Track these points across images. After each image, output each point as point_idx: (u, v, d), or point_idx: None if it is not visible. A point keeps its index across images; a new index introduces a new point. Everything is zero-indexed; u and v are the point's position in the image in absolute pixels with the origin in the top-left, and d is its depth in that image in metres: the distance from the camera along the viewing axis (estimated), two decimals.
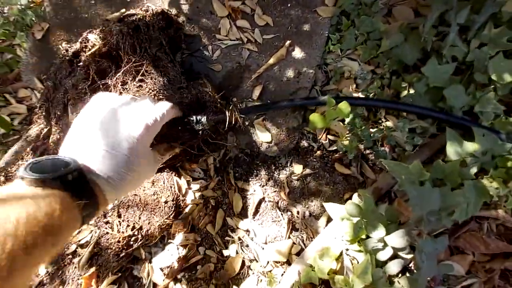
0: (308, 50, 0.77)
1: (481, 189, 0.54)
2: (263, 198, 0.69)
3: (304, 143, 0.73)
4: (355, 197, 0.57)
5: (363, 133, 0.65)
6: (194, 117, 0.59)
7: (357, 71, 0.74)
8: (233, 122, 0.62)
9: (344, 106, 0.60)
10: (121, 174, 0.35)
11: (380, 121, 0.72)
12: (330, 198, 0.66)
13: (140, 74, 0.68)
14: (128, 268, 0.65)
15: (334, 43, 0.78)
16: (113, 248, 0.62)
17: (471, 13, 0.63)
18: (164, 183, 0.69)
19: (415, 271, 0.54)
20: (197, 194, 0.71)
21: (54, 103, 0.81)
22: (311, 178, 0.69)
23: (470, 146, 0.56)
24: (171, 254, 0.66)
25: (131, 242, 0.63)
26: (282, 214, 0.67)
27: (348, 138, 0.67)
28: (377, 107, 0.69)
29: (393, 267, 0.51)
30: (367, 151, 0.69)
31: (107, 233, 0.64)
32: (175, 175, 0.71)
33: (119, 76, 0.68)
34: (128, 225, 0.63)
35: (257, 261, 0.63)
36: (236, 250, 0.64)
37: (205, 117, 0.59)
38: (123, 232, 0.62)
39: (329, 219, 0.63)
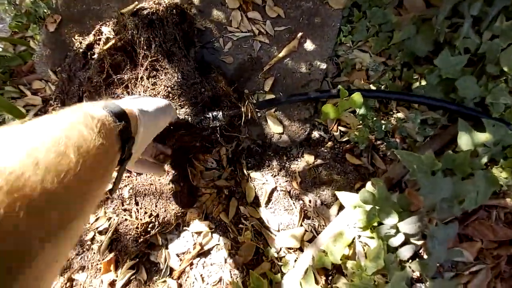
0: (320, 42, 0.78)
1: (491, 178, 0.55)
2: (275, 188, 0.71)
3: (316, 134, 0.74)
4: (369, 185, 0.59)
5: (375, 124, 0.67)
6: (211, 114, 0.60)
7: (368, 63, 0.75)
8: (249, 117, 0.64)
9: (357, 97, 0.61)
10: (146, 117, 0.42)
11: (391, 113, 0.73)
12: (341, 187, 0.68)
13: (155, 70, 0.69)
14: (145, 253, 0.68)
15: (345, 35, 0.78)
16: (132, 234, 0.64)
17: (484, 5, 0.63)
18: (178, 173, 0.71)
19: (425, 256, 0.55)
20: (210, 184, 0.73)
21: (69, 95, 0.82)
22: (322, 168, 0.71)
23: (481, 137, 0.57)
24: (186, 240, 0.68)
25: (149, 229, 0.65)
26: (294, 203, 0.69)
27: (360, 129, 0.69)
28: (389, 99, 0.70)
29: (405, 253, 0.53)
30: (378, 142, 0.70)
31: (126, 219, 0.66)
32: (188, 166, 0.73)
33: (135, 72, 0.69)
34: (145, 212, 0.65)
35: (270, 247, 0.65)
36: (250, 238, 0.66)
37: (220, 112, 0.60)
38: (141, 219, 0.64)
39: (340, 208, 0.65)
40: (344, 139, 0.72)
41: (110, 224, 0.69)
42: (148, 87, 0.67)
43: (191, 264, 0.66)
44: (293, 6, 0.83)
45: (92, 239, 0.72)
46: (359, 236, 0.58)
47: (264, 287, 0.58)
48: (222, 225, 0.69)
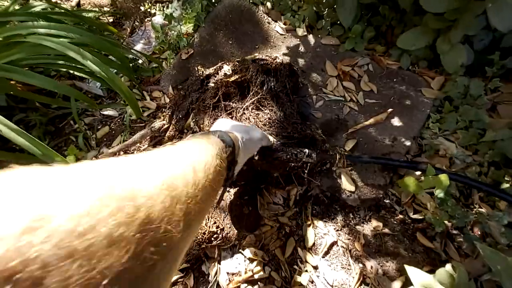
0: (407, 121, 0.84)
1: None
2: (336, 242, 0.72)
3: (387, 203, 0.75)
4: (448, 266, 0.56)
5: (455, 211, 0.66)
6: (306, 150, 0.68)
7: (454, 152, 0.77)
8: (338, 165, 0.70)
9: (443, 178, 0.63)
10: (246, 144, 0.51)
11: (471, 206, 0.72)
12: (408, 264, 0.65)
13: (261, 105, 0.82)
14: (199, 261, 0.71)
15: (433, 121, 0.84)
16: (198, 237, 0.69)
17: None
18: (248, 198, 0.77)
19: None
20: (273, 217, 0.77)
21: (180, 108, 1.00)
22: (389, 238, 0.70)
23: None
24: (238, 263, 0.70)
25: (212, 239, 0.70)
26: (353, 263, 0.68)
27: (437, 212, 0.68)
28: (478, 189, 0.70)
29: None
30: (454, 232, 0.68)
31: None
32: (258, 195, 0.79)
33: (243, 102, 0.84)
34: (214, 223, 0.71)
35: None
36: (302, 282, 0.66)
37: (315, 153, 0.68)
38: (209, 227, 0.70)
39: (404, 285, 0.62)
40: (416, 217, 0.72)
41: None
42: (251, 115, 0.79)
43: (238, 287, 0.67)
44: (386, 86, 0.93)
45: None
46: None
47: None
48: (276, 261, 0.71)
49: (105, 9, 1.58)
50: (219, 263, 0.71)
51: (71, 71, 1.04)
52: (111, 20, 1.51)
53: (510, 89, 0.87)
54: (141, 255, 0.17)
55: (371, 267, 0.66)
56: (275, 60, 0.94)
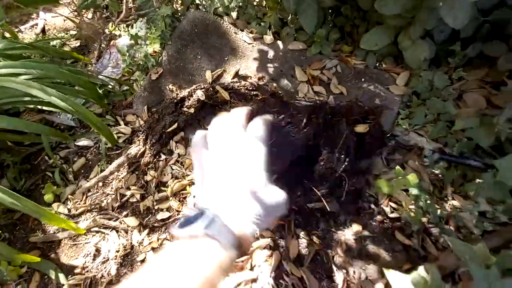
0: (382, 121, 0.85)
1: None
2: (319, 250, 0.73)
3: (365, 205, 0.77)
4: (421, 269, 0.58)
5: (429, 207, 0.68)
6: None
7: (424, 148, 0.78)
8: None
9: (412, 177, 0.64)
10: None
11: (445, 199, 0.73)
12: (388, 265, 0.67)
13: None
14: None
15: (403, 117, 0.85)
16: None
17: None
18: None
19: None
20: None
21: (154, 132, 0.99)
22: (369, 240, 0.71)
23: None
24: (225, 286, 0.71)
25: None
26: (337, 270, 0.69)
27: (413, 210, 0.70)
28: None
29: None
30: (431, 226, 0.70)
31: None
32: None
33: None
34: None
35: None
36: None
37: None
38: None
39: (387, 286, 0.64)
40: (394, 216, 0.74)
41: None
42: None
43: None
44: (355, 87, 0.94)
45: (142, 261, 0.79)
46: None
47: None
48: (264, 276, 0.71)
49: (71, 32, 1.55)
50: None
51: (39, 106, 1.02)
52: (77, 44, 1.48)
53: (474, 77, 0.89)
54: None
55: (354, 272, 0.67)
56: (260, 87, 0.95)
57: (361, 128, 0.77)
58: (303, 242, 0.75)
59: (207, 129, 0.37)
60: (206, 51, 1.12)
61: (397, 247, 0.69)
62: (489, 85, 0.86)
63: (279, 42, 1.07)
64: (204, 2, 1.17)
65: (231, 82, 1.01)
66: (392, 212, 0.74)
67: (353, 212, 0.77)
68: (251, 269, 0.73)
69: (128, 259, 0.82)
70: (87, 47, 1.42)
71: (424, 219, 0.70)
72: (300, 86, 0.99)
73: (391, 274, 0.58)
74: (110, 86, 1.19)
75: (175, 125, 0.98)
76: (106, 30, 1.31)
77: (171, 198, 0.90)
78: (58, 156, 1.03)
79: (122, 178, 0.95)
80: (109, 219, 0.89)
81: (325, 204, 0.71)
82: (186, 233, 0.29)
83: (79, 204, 0.94)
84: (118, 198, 0.92)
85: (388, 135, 0.80)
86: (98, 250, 0.85)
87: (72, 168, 1.01)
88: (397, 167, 0.66)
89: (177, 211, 0.87)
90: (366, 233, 0.72)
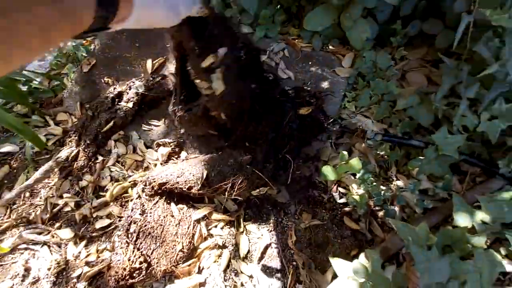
0: (325, 105, 0.83)
1: (494, 260, 0.53)
2: (270, 244, 0.70)
3: (315, 193, 0.75)
4: (362, 256, 0.57)
5: (373, 191, 0.67)
6: None
7: (368, 131, 0.77)
8: None
9: (355, 162, 0.63)
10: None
11: (390, 179, 0.74)
12: (337, 252, 0.66)
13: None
14: None
15: (349, 100, 0.83)
16: (118, 273, 0.63)
17: (481, 88, 0.67)
18: (188, 228, 0.71)
19: None
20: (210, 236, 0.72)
21: (88, 132, 0.89)
22: (319, 229, 0.70)
23: (479, 215, 0.56)
24: None
25: (134, 275, 0.64)
26: (286, 264, 0.67)
27: (359, 194, 0.69)
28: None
29: None
30: (377, 208, 0.70)
31: (119, 254, 0.66)
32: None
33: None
34: (140, 256, 0.64)
35: None
36: None
37: None
38: (132, 262, 0.63)
39: (334, 275, 0.62)
40: (343, 201, 0.72)
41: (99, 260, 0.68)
42: None
43: None
44: (303, 71, 0.90)
45: (79, 277, 0.71)
46: None
47: None
48: (214, 276, 0.67)
49: None
50: None
51: None
52: None
53: (415, 56, 0.89)
54: None
55: (303, 263, 0.65)
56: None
57: (303, 111, 0.74)
58: (253, 237, 0.71)
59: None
60: (147, 38, 1.02)
61: (346, 232, 0.68)
62: (430, 64, 0.87)
63: None
64: None
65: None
66: (341, 198, 0.73)
67: (304, 202, 0.74)
68: (199, 272, 0.68)
69: (63, 276, 0.73)
70: None
71: (371, 202, 0.70)
72: None
73: (336, 263, 0.57)
74: (36, 82, 1.05)
75: (112, 123, 0.88)
76: None
77: (111, 204, 0.81)
78: None
79: (53, 185, 0.85)
80: (39, 233, 0.78)
81: (271, 186, 0.68)
82: None
83: (2, 219, 0.81)
84: (49, 209, 0.81)
85: (333, 119, 0.78)
86: (27, 270, 0.75)
87: None
88: (342, 151, 0.64)
89: (119, 217, 0.79)
90: (316, 222, 0.70)
